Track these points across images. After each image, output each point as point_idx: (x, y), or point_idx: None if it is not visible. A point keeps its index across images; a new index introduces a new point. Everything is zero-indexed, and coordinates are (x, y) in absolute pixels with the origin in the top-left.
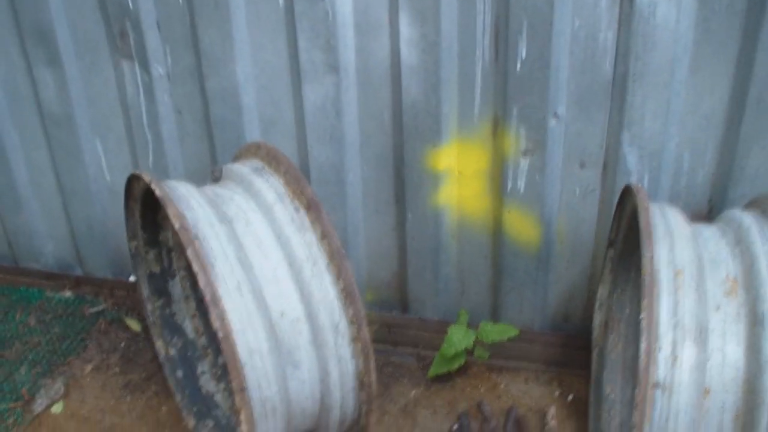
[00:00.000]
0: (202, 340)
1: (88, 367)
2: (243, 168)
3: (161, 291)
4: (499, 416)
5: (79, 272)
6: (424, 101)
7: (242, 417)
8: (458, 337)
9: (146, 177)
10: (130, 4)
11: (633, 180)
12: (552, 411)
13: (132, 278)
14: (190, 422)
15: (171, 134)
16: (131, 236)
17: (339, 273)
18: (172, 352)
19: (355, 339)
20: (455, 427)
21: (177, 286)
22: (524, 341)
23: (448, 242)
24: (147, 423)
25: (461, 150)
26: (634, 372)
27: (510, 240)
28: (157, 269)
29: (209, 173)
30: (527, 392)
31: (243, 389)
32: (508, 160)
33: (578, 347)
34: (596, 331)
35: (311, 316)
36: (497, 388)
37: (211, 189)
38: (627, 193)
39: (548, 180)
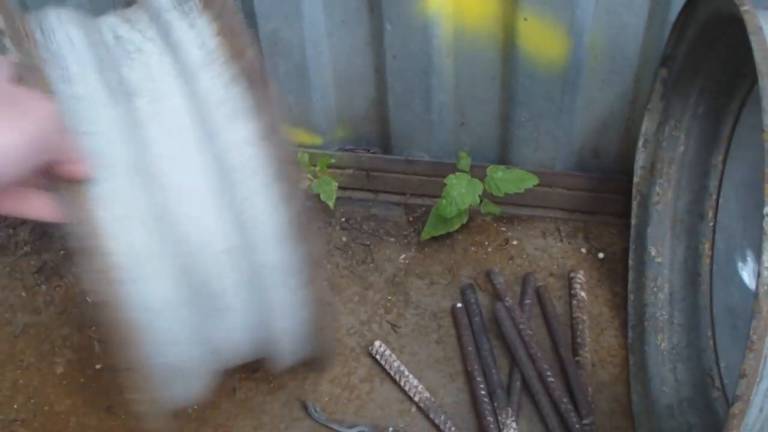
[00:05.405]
0: None
1: None
2: None
3: None
4: (514, 286)
5: None
6: None
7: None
8: (459, 191)
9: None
10: None
11: None
12: (580, 277)
13: None
14: None
15: None
16: None
17: (289, 191)
18: None
19: (308, 282)
20: (458, 305)
21: None
22: (542, 184)
23: (441, 61)
24: (69, 321)
25: None
26: (689, 228)
27: (526, 56)
28: None
29: None
30: (546, 250)
31: (128, 369)
32: None
33: (611, 191)
34: (638, 175)
35: (248, 249)
36: (509, 247)
37: (113, 24)
38: None
39: None
